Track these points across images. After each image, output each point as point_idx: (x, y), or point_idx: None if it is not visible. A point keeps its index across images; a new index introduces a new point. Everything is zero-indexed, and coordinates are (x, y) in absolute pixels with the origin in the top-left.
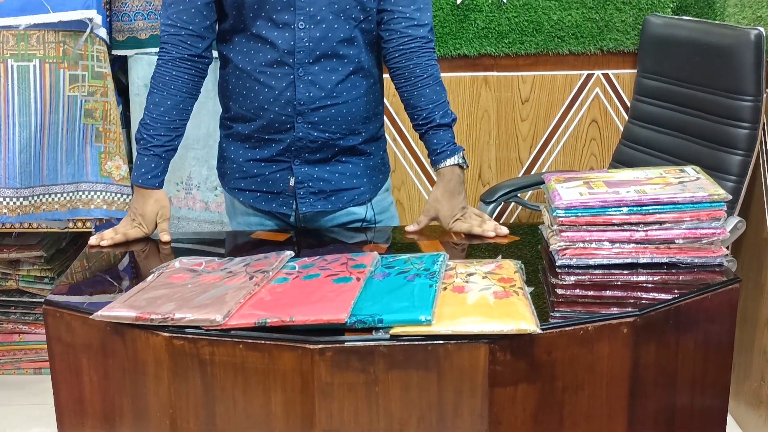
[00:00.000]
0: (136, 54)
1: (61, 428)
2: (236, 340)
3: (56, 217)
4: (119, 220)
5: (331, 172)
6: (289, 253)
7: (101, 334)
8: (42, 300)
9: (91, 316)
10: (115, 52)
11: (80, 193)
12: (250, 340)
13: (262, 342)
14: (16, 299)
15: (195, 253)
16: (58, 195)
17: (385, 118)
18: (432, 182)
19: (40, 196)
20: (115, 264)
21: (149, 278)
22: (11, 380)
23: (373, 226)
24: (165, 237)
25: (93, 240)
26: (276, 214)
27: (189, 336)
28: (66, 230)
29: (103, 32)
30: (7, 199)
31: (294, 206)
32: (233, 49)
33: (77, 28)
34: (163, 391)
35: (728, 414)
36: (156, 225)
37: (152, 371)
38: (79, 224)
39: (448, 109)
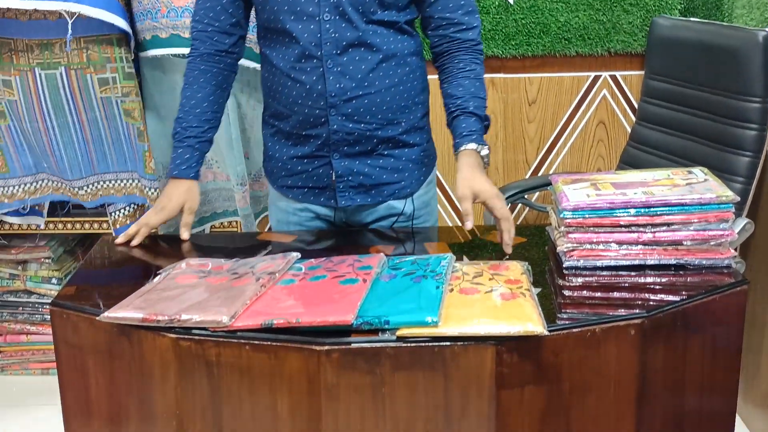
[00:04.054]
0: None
1: (68, 429)
2: (243, 341)
3: (112, 201)
4: None
5: (372, 167)
6: (296, 255)
7: (108, 336)
8: (50, 300)
9: (97, 318)
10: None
11: (134, 181)
12: (256, 342)
13: (269, 343)
14: (24, 300)
15: (202, 253)
16: (112, 182)
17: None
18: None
19: (94, 184)
20: (122, 265)
21: (156, 279)
22: (19, 381)
23: (410, 223)
24: (185, 234)
25: (120, 239)
26: (320, 216)
27: (195, 337)
28: (74, 232)
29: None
30: (64, 184)
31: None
32: (268, 45)
33: (97, 32)
34: (169, 393)
35: (737, 415)
36: (179, 213)
37: (159, 372)
38: (87, 225)
39: (485, 106)
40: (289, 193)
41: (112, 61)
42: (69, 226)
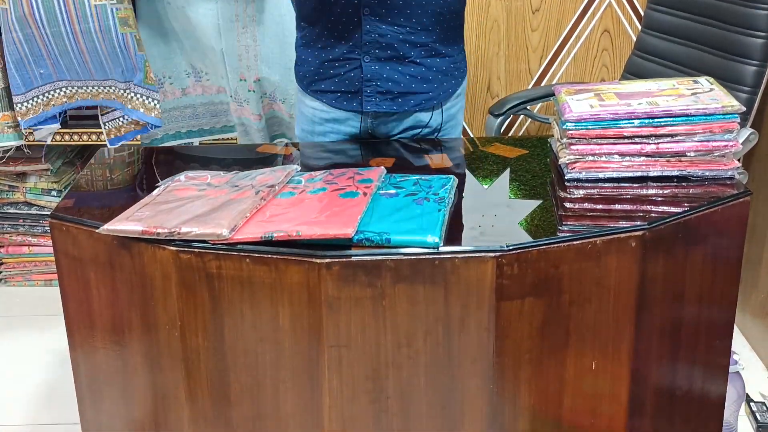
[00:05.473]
0: None
1: (71, 340)
2: (243, 254)
3: (115, 105)
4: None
5: (402, 74)
6: (295, 167)
7: (108, 248)
8: (50, 213)
9: (97, 230)
10: None
11: (130, 93)
12: (256, 254)
13: (269, 256)
14: (24, 212)
15: (202, 166)
16: (112, 88)
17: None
18: None
19: (95, 87)
20: (120, 177)
21: (155, 192)
22: (22, 291)
23: (435, 136)
24: None
25: None
26: (345, 131)
27: (196, 250)
28: (71, 143)
29: None
30: (62, 89)
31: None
32: None
33: None
34: (171, 305)
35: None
36: None
37: (160, 285)
38: (84, 137)
39: None
40: (320, 97)
41: None
42: (66, 137)
